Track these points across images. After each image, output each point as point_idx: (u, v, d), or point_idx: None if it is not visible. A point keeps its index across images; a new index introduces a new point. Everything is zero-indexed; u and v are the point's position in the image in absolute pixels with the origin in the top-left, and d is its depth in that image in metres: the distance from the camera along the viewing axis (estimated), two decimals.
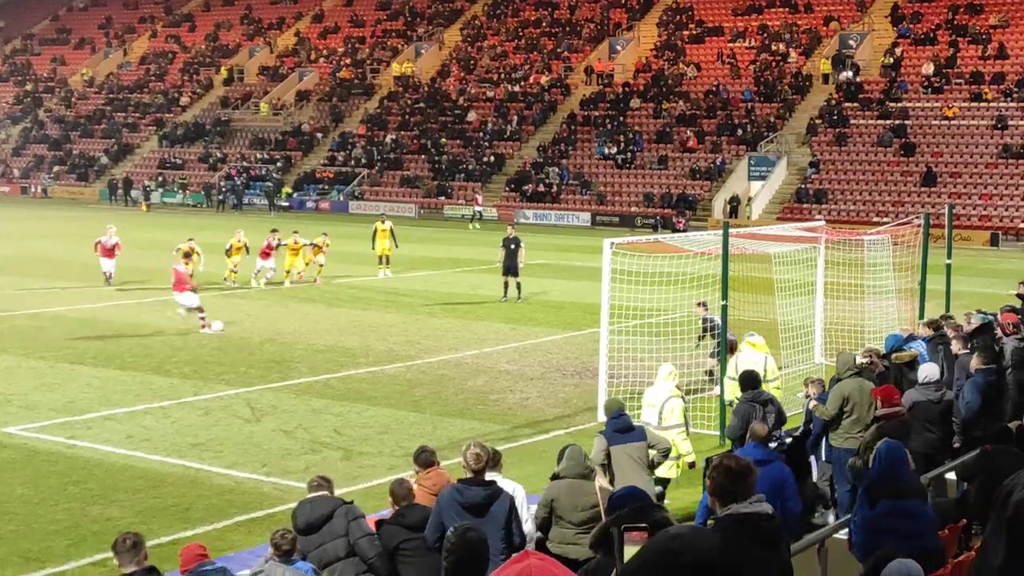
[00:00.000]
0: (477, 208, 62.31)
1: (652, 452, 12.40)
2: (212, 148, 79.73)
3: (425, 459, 10.84)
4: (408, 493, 9.71)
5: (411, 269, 39.49)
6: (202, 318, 27.47)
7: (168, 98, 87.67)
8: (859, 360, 14.47)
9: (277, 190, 71.25)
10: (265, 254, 35.24)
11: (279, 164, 75.65)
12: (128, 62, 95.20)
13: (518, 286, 32.79)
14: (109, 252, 34.78)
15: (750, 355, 17.13)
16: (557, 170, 66.46)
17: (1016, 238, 52.31)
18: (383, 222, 39.15)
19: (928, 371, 13.79)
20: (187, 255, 32.77)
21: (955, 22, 66.14)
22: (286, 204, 69.62)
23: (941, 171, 57.65)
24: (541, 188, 65.19)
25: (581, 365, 23.65)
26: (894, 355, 15.90)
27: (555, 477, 10.35)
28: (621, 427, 12.15)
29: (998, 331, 17.34)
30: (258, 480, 15.93)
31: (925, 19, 67.72)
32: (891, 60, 65.27)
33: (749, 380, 14.33)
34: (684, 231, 56.89)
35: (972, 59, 63.56)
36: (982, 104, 60.33)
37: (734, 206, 59.08)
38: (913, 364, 15.14)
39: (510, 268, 32.81)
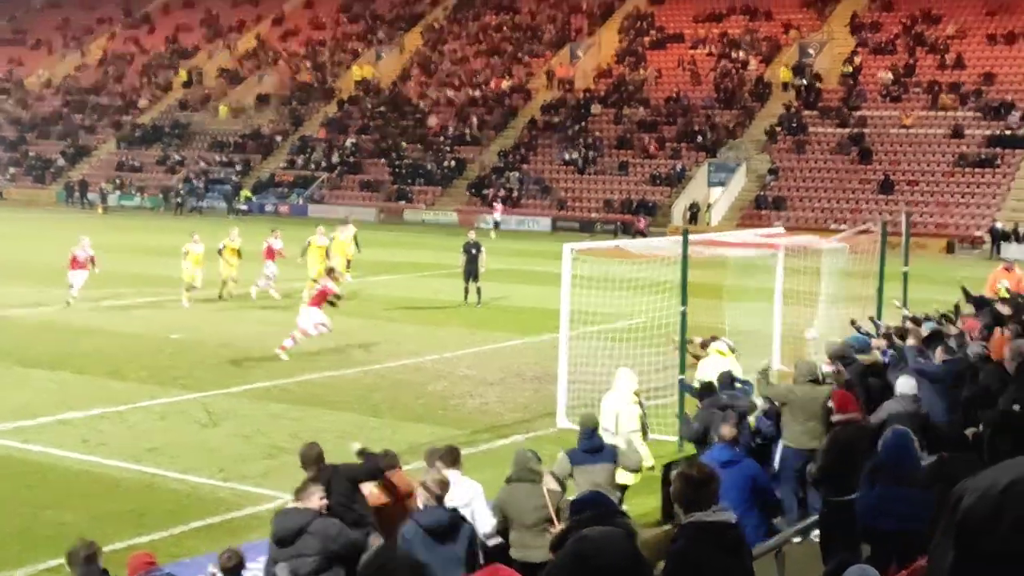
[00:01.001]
0: (495, 217, 60.89)
1: (621, 471, 12.29)
2: (170, 151, 79.23)
3: (388, 462, 10.88)
4: (317, 457, 10.23)
5: (371, 273, 39.35)
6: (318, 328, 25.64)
7: (126, 100, 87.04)
8: (825, 369, 14.52)
9: (236, 193, 70.90)
10: (270, 255, 34.25)
11: (238, 167, 75.28)
12: (86, 64, 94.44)
13: (478, 291, 32.80)
14: (82, 264, 32.07)
15: (717, 362, 17.13)
16: (518, 175, 66.52)
17: (972, 246, 52.82)
18: (346, 227, 38.99)
19: (905, 385, 13.87)
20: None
21: (913, 31, 66.75)
22: (245, 208, 69.25)
23: (898, 179, 58.14)
24: (502, 192, 65.20)
25: (541, 370, 23.61)
26: (859, 356, 15.96)
27: (508, 481, 10.40)
28: (589, 448, 11.95)
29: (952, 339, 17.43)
30: (215, 485, 15.80)
31: (884, 28, 68.32)
32: (850, 69, 65.78)
33: (710, 387, 14.40)
34: (645, 234, 57.19)
35: (930, 68, 64.17)
36: (939, 113, 60.89)
37: (694, 212, 59.33)
38: (877, 370, 15.21)
39: (471, 273, 32.82)
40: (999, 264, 30.67)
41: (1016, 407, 13.77)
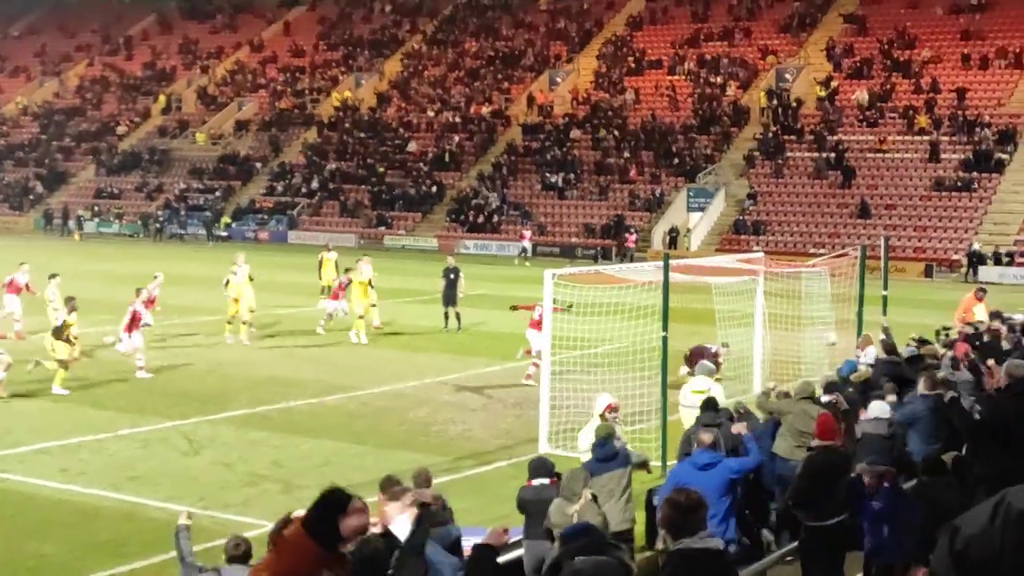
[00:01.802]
0: (524, 244, 60.27)
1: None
2: (149, 177, 79.07)
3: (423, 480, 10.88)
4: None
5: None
6: None
7: (105, 126, 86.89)
8: (824, 399, 14.65)
9: (216, 220, 70.80)
10: (336, 295, 32.57)
11: (218, 193, 75.18)
12: (64, 90, 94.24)
13: (458, 316, 32.77)
14: (16, 289, 31.27)
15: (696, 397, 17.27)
16: (496, 194, 66.58)
17: (950, 269, 53.11)
18: (328, 252, 38.95)
19: (879, 409, 14.01)
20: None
21: (890, 55, 67.23)
22: (225, 234, 69.15)
23: (876, 203, 58.45)
24: (481, 218, 65.27)
25: (523, 396, 23.59)
26: (852, 376, 16.16)
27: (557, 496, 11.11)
28: (602, 456, 12.20)
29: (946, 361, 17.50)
30: (196, 514, 15.67)
31: (859, 53, 68.78)
32: (826, 93, 66.19)
33: (706, 406, 14.58)
34: (634, 248, 57.42)
35: (906, 93, 64.62)
36: (915, 138, 61.30)
37: (673, 237, 59.52)
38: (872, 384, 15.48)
39: (450, 298, 32.79)
40: (973, 287, 30.86)
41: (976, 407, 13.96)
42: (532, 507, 11.40)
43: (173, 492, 16.59)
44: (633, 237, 59.02)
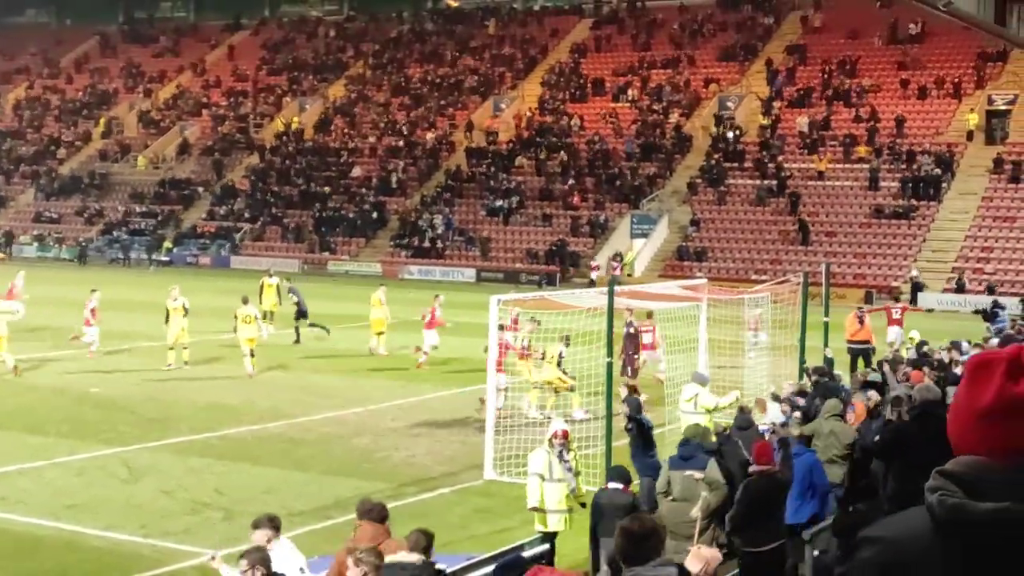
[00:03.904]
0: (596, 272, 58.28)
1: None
2: (89, 201, 78.26)
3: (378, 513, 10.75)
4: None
5: (294, 325, 38.99)
6: None
7: (45, 150, 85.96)
8: (763, 428, 15.16)
9: (158, 245, 70.19)
10: (430, 325, 31.46)
11: (159, 218, 74.56)
12: (3, 112, 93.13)
13: (297, 330, 35.53)
14: None
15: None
16: (441, 217, 66.57)
17: (889, 295, 53.74)
18: (270, 277, 38.74)
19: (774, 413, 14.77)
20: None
21: (830, 84, 68.10)
22: (167, 259, 68.52)
23: (817, 230, 59.08)
24: (427, 244, 65.23)
25: (467, 422, 23.55)
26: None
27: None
28: (685, 454, 13.78)
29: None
30: (137, 542, 15.52)
31: (800, 81, 69.61)
32: (768, 121, 66.90)
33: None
34: (619, 271, 57.16)
35: (846, 121, 65.45)
36: (855, 166, 62.07)
37: (617, 263, 59.74)
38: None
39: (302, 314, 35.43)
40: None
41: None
42: (606, 510, 12.66)
43: (114, 520, 16.39)
44: (617, 267, 57.76)
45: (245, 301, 31.06)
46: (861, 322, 28.71)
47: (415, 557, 9.63)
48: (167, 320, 30.44)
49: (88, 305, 31.65)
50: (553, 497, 14.12)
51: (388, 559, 9.26)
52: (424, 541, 9.89)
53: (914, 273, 53.36)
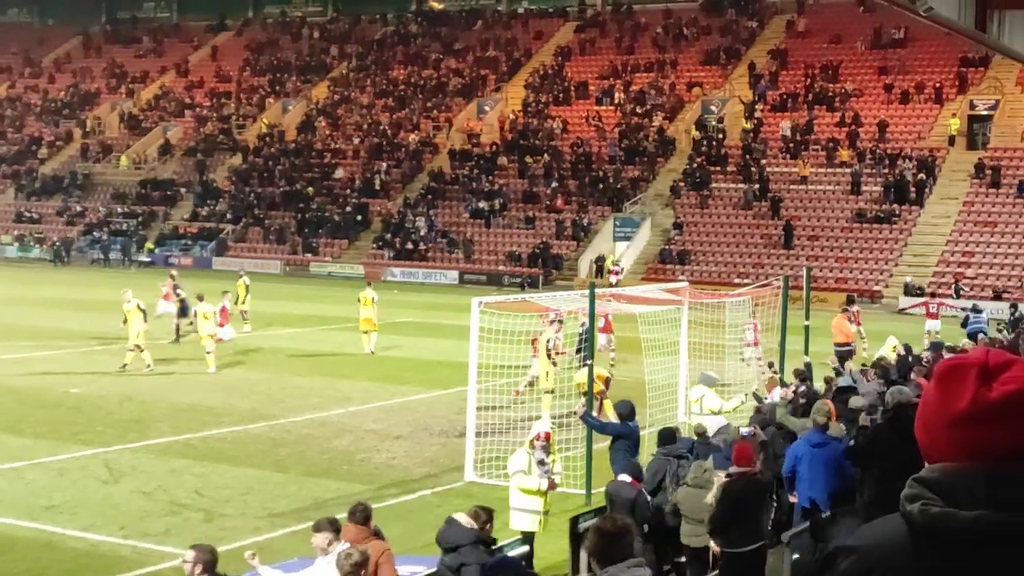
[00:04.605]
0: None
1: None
2: (71, 202, 77.97)
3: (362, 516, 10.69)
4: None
5: (276, 326, 38.98)
6: None
7: (26, 149, 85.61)
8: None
9: (140, 245, 69.94)
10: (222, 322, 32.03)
11: (141, 218, 74.32)
12: None
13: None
14: None
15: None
16: (424, 219, 66.54)
17: (871, 300, 53.85)
18: (242, 277, 38.78)
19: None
20: None
21: (813, 88, 68.28)
22: (148, 259, 68.28)
23: (799, 234, 59.20)
24: (409, 245, 65.16)
25: (448, 424, 23.52)
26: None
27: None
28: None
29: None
30: (115, 543, 15.45)
31: (783, 85, 69.77)
32: (751, 125, 67.03)
33: (666, 436, 14.61)
34: (618, 279, 56.94)
35: (828, 126, 65.61)
36: (838, 170, 62.24)
37: (600, 266, 59.77)
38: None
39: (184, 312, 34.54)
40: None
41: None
42: (616, 498, 13.01)
43: (92, 521, 16.31)
44: (618, 272, 57.22)
45: (200, 298, 31.16)
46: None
47: (473, 524, 10.84)
48: (125, 322, 30.30)
49: (220, 304, 32.31)
50: (530, 498, 14.14)
51: (451, 516, 11.05)
52: (484, 516, 11.04)
53: (908, 280, 53.30)
